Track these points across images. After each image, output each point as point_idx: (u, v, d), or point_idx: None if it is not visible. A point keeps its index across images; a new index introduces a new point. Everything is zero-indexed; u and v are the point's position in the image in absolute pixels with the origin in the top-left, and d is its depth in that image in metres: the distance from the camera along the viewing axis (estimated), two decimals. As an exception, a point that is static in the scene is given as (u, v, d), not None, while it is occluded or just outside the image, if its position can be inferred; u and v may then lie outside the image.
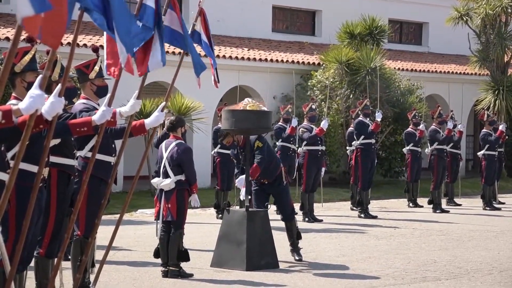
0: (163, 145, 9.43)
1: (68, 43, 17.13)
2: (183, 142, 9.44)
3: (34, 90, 4.69)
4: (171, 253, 9.17)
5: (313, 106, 15.89)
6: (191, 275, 9.27)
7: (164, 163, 9.25)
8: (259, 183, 10.58)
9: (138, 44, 5.64)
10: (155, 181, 9.28)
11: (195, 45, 8.00)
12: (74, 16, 5.00)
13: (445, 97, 24.25)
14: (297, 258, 10.57)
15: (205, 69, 7.39)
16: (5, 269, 5.51)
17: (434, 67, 26.83)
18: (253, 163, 10.33)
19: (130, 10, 5.86)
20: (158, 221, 9.32)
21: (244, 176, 10.37)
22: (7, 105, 5.02)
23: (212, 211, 16.38)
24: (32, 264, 6.79)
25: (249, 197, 10.32)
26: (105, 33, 5.80)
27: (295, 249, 10.64)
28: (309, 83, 22.53)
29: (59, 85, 5.24)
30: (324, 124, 15.54)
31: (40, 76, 4.81)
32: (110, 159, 7.76)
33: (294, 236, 10.62)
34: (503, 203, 19.39)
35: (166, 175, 9.22)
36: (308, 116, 15.67)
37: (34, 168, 5.84)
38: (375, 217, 16.04)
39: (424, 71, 26.03)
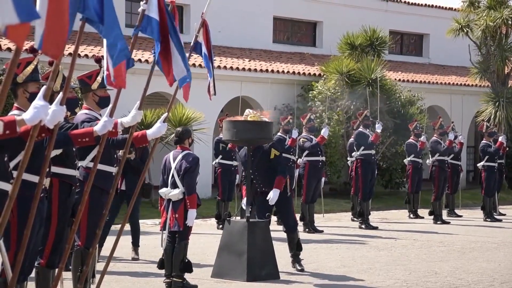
0: (170, 155, 9.41)
1: (70, 54, 17.16)
2: (191, 152, 9.41)
3: (38, 101, 4.71)
4: (175, 264, 9.14)
5: (312, 117, 15.91)
6: (195, 286, 9.24)
7: (173, 174, 9.23)
8: (262, 193, 10.57)
9: (121, 59, 5.65)
10: (163, 191, 9.26)
11: (196, 56, 8.02)
12: (75, 27, 5.02)
13: (446, 108, 24.27)
14: (298, 268, 10.57)
15: (189, 81, 7.30)
16: (7, 277, 5.51)
17: (434, 78, 26.86)
18: (272, 173, 10.34)
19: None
20: (164, 231, 9.29)
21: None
22: (11, 116, 5.03)
23: (213, 221, 16.38)
24: (33, 274, 6.79)
25: (250, 207, 10.32)
26: (105, 45, 5.83)
27: (296, 260, 10.64)
28: (310, 94, 22.56)
29: (61, 94, 5.26)
30: (324, 132, 15.57)
31: (44, 87, 4.82)
32: (112, 169, 7.77)
33: (294, 248, 10.61)
34: (504, 215, 19.37)
35: (175, 186, 9.20)
36: (307, 127, 15.69)
37: (36, 178, 5.84)
38: (375, 228, 16.03)
39: (424, 82, 26.06)
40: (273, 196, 10.29)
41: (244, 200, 10.68)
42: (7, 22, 3.48)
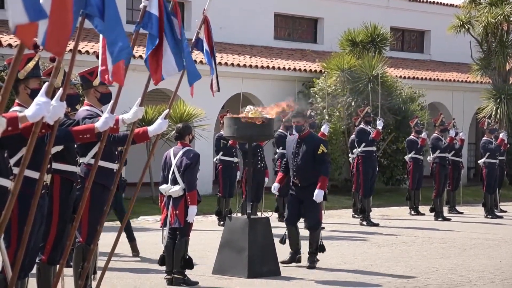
0: (171, 152, 9.40)
1: (70, 50, 17.14)
2: (191, 148, 9.41)
3: (40, 98, 4.71)
4: (176, 261, 9.14)
5: (312, 113, 15.91)
6: (196, 282, 9.25)
7: (173, 170, 9.22)
8: (293, 185, 10.64)
9: (122, 57, 5.64)
10: (163, 187, 9.25)
11: (197, 52, 7.99)
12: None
13: (447, 105, 24.28)
14: (307, 264, 10.57)
15: (199, 78, 7.37)
16: (6, 276, 5.50)
17: (435, 75, 26.86)
18: (312, 168, 10.47)
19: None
20: (164, 228, 9.28)
21: (276, 184, 10.90)
22: (13, 112, 5.02)
23: (213, 218, 16.38)
24: (34, 270, 6.78)
25: (251, 203, 10.35)
26: (100, 40, 5.82)
27: (311, 257, 10.64)
28: (311, 91, 22.55)
29: (60, 90, 5.25)
30: (324, 128, 15.59)
31: (47, 83, 4.81)
32: (113, 166, 7.76)
33: (313, 247, 10.62)
34: (505, 211, 19.38)
35: (175, 182, 9.20)
36: (308, 123, 15.68)
37: (36, 175, 5.83)
38: (376, 225, 16.03)
39: (425, 79, 26.05)
40: (319, 196, 10.41)
41: (275, 185, 10.98)
42: (17, 22, 3.51)
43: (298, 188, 10.62)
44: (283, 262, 10.56)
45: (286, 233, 10.72)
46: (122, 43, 5.54)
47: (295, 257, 10.77)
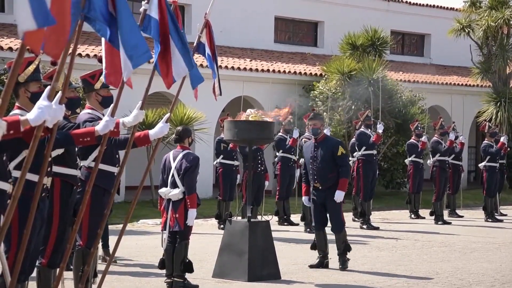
0: (170, 155, 9.39)
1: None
2: (191, 151, 9.40)
3: (42, 101, 4.71)
4: (176, 264, 9.13)
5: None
6: (196, 286, 9.24)
7: (173, 173, 9.21)
8: (314, 189, 10.73)
9: (144, 61, 5.64)
10: (163, 191, 9.23)
11: (198, 55, 7.98)
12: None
13: (447, 108, 24.27)
14: (339, 266, 10.70)
15: (202, 81, 7.39)
16: (5, 280, 5.50)
17: (436, 78, 26.86)
18: (330, 169, 10.56)
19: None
20: (164, 231, 9.27)
21: (305, 197, 10.98)
22: (15, 116, 5.02)
23: (213, 221, 16.38)
24: (34, 274, 6.78)
25: (251, 206, 10.36)
26: (103, 43, 5.82)
27: (341, 258, 10.76)
28: (311, 94, 22.56)
29: (60, 93, 5.25)
30: (326, 132, 15.58)
31: (49, 87, 4.82)
32: (114, 169, 7.76)
33: (341, 248, 10.74)
34: (505, 215, 19.35)
35: (174, 185, 9.19)
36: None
37: (36, 178, 5.83)
38: (377, 228, 16.03)
39: (426, 82, 26.06)
40: (340, 196, 10.59)
41: (304, 198, 11.10)
42: (25, 29, 3.53)
43: (319, 192, 10.70)
44: (311, 266, 10.79)
45: (315, 238, 10.84)
46: (142, 47, 5.55)
47: (323, 261, 10.88)
